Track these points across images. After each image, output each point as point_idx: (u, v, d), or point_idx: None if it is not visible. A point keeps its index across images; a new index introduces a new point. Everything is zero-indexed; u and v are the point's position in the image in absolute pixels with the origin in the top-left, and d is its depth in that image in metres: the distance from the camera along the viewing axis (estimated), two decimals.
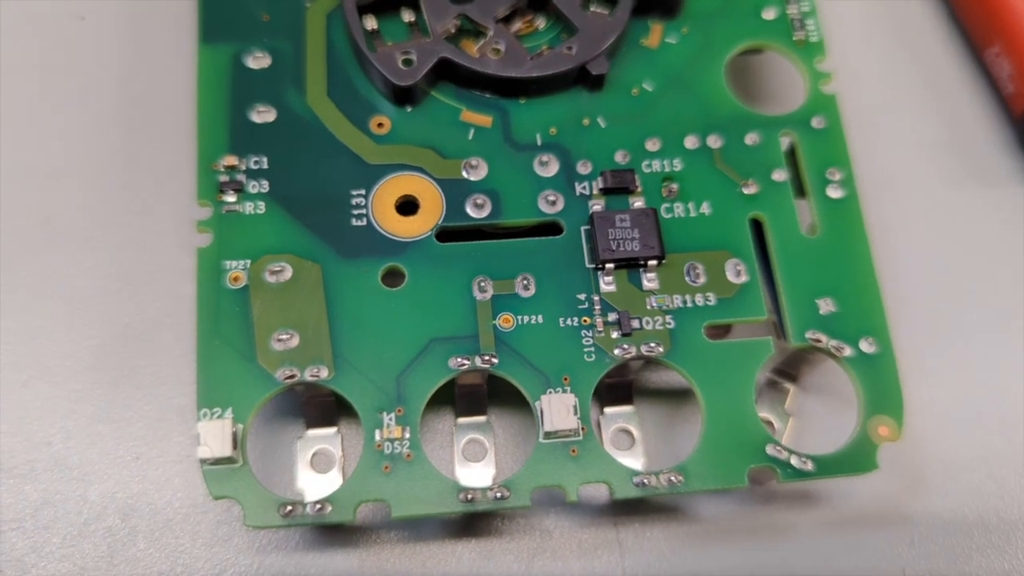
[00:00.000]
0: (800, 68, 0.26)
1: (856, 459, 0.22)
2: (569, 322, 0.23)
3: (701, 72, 0.26)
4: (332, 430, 0.25)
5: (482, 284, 0.23)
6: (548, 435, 0.22)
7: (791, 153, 0.25)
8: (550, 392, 0.22)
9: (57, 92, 0.29)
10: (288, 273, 0.23)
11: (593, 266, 0.23)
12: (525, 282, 0.23)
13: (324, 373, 0.22)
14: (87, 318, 0.26)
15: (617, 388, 0.25)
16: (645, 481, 0.22)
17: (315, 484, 0.24)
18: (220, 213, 0.24)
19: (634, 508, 0.25)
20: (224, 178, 0.24)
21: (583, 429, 0.22)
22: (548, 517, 0.25)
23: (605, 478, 0.22)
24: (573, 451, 0.22)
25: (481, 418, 0.25)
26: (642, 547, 0.25)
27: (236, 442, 0.21)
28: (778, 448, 0.22)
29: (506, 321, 0.23)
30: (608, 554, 0.25)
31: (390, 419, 0.22)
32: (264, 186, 0.24)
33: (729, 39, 0.26)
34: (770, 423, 0.26)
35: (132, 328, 0.26)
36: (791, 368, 0.26)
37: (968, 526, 0.25)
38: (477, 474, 0.24)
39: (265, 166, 0.24)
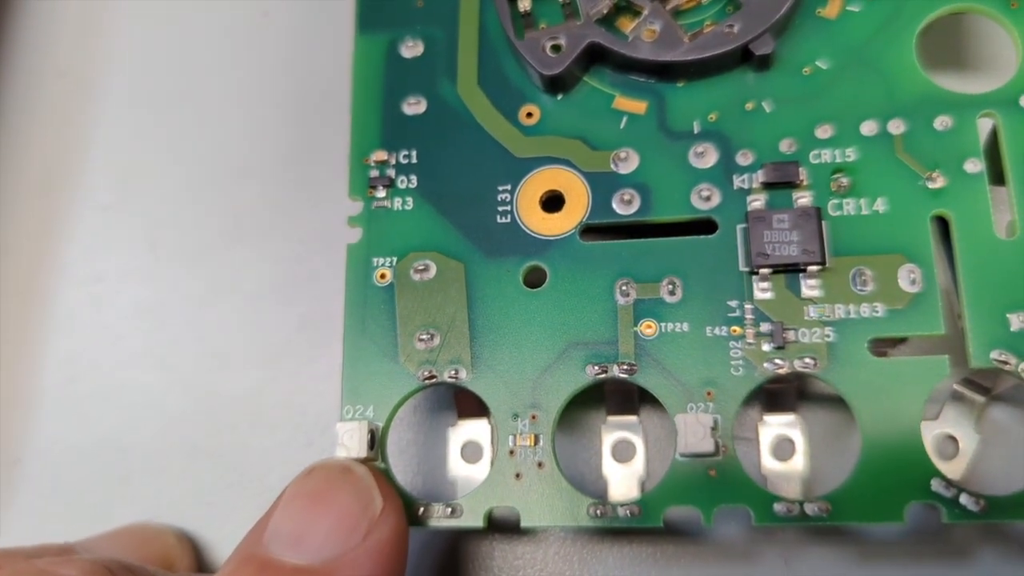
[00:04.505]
0: (1011, 33, 0.22)
1: None
2: (717, 331, 0.21)
3: (887, 44, 0.23)
4: (483, 421, 0.25)
5: (625, 287, 0.22)
6: (684, 455, 0.21)
7: (992, 138, 0.22)
8: (689, 409, 0.21)
9: (243, 88, 0.30)
10: (432, 272, 0.23)
11: (748, 270, 0.22)
12: (671, 286, 0.22)
13: (463, 374, 0.22)
14: (272, 310, 0.28)
15: (779, 394, 0.24)
16: (788, 509, 0.20)
17: (465, 474, 0.24)
18: (370, 209, 0.24)
19: None
20: (374, 173, 0.24)
21: (724, 449, 0.21)
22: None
23: (745, 503, 0.21)
24: (712, 472, 0.21)
25: (632, 418, 0.24)
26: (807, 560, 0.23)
27: (374, 442, 0.22)
28: (945, 484, 0.20)
29: (648, 328, 0.22)
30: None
31: (524, 425, 0.22)
32: (413, 181, 0.24)
33: (926, 2, 0.23)
34: (954, 440, 0.23)
35: (310, 320, 0.27)
36: (984, 380, 0.23)
37: None
38: (624, 476, 0.24)
39: (415, 160, 0.24)
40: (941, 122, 0.22)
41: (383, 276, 0.23)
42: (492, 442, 0.24)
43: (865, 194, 0.22)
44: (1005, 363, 0.20)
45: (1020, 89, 0.22)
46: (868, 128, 0.22)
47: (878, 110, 0.22)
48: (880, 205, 0.22)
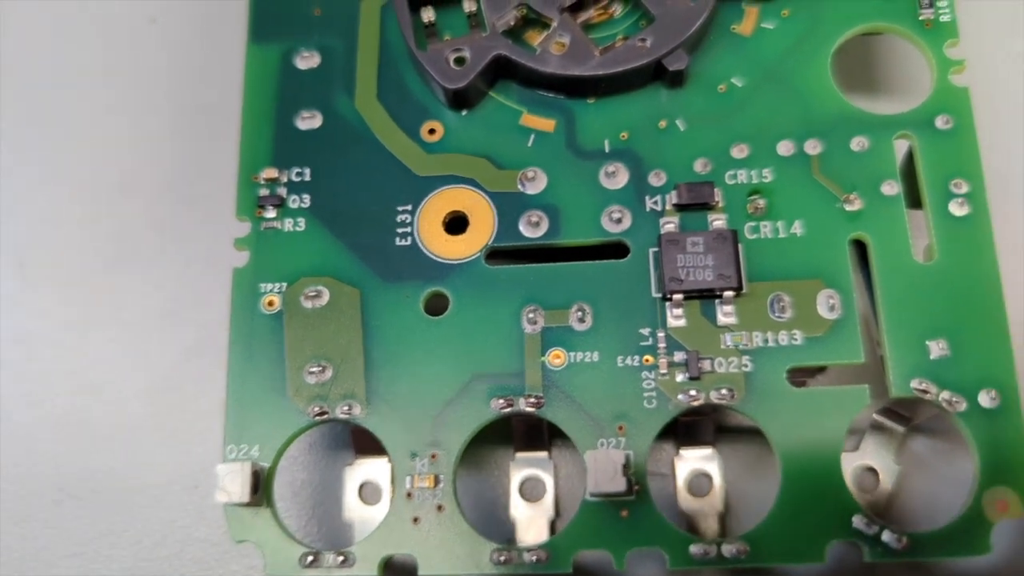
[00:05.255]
0: (925, 54, 0.22)
1: (966, 539, 0.19)
2: (629, 361, 0.20)
3: (802, 63, 0.22)
4: (383, 459, 0.23)
5: (532, 314, 0.21)
6: (594, 495, 0.19)
7: (908, 160, 0.21)
8: (599, 445, 0.20)
9: (127, 99, 0.28)
10: (325, 298, 0.21)
11: (661, 296, 0.21)
12: (580, 313, 0.21)
13: (357, 410, 0.21)
14: (155, 339, 0.26)
15: (695, 426, 0.23)
16: (705, 552, 0.19)
17: (363, 516, 0.23)
18: (259, 230, 0.22)
19: None
20: (264, 192, 0.22)
21: (636, 488, 0.19)
22: None
23: (659, 545, 0.19)
24: (624, 512, 0.19)
25: (542, 454, 0.23)
26: None
27: (259, 484, 0.20)
28: (867, 521, 0.19)
29: (556, 358, 0.20)
30: None
31: (423, 465, 0.20)
32: (305, 201, 0.22)
33: (840, 22, 0.22)
34: (874, 472, 0.22)
35: (196, 349, 0.25)
36: (904, 409, 0.22)
37: None
38: (533, 516, 0.22)
39: (308, 178, 0.22)
40: (858, 143, 0.21)
41: (271, 303, 0.21)
42: (392, 483, 0.23)
43: (782, 216, 0.21)
44: (925, 392, 0.19)
45: (935, 110, 0.21)
46: (784, 148, 0.21)
47: (794, 130, 0.21)
48: (797, 228, 0.21)
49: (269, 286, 0.22)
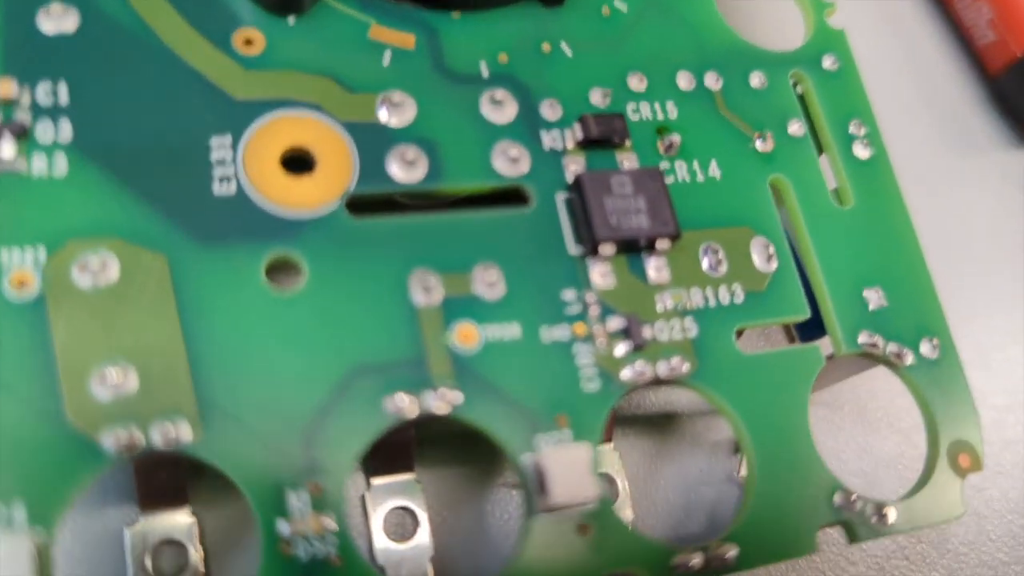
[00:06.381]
0: None
1: (939, 502, 0.17)
2: (557, 333, 0.16)
3: None
4: (183, 513, 0.16)
5: (426, 281, 0.15)
6: (552, 509, 0.14)
7: (801, 101, 0.19)
8: (551, 442, 0.15)
9: None
10: (113, 270, 0.14)
11: (581, 251, 0.16)
12: (490, 276, 0.16)
13: (185, 433, 0.14)
14: None
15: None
16: (691, 562, 0.15)
17: None
18: None
19: None
20: None
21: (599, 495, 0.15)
22: None
23: (633, 562, 0.15)
24: (584, 528, 0.15)
25: (407, 476, 0.17)
26: None
27: (40, 563, 0.12)
28: (849, 497, 0.16)
29: (466, 337, 0.15)
30: None
31: (301, 502, 0.14)
32: (65, 131, 0.15)
33: None
34: None
35: None
36: None
37: None
38: (407, 557, 0.17)
39: (65, 100, 0.15)
40: (757, 78, 0.19)
41: (22, 282, 0.14)
42: (193, 542, 0.16)
43: (696, 156, 0.18)
44: (874, 346, 0.17)
45: (820, 50, 0.20)
46: (684, 81, 0.18)
47: (689, 61, 0.18)
48: (714, 170, 0.18)
49: (15, 255, 0.14)
